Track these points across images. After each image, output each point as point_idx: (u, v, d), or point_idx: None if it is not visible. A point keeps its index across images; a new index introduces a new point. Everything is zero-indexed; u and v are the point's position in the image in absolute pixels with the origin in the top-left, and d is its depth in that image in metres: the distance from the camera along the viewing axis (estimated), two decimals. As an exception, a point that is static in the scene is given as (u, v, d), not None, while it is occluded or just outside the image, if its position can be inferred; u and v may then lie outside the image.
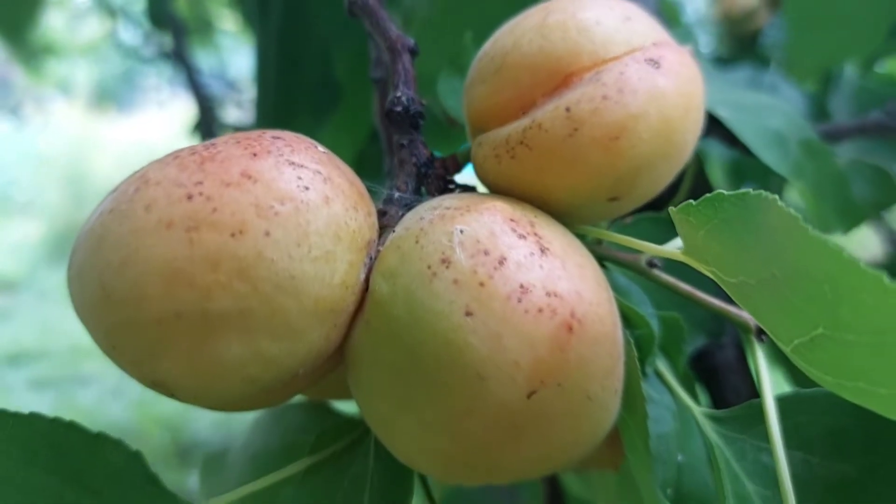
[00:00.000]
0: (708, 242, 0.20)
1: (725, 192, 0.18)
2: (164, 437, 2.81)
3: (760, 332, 0.26)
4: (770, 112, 0.33)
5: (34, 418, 0.24)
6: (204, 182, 0.21)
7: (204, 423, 2.87)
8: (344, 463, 0.25)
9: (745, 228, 0.17)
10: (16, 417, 0.24)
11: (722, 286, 0.21)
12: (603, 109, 0.22)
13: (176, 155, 0.22)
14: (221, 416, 2.98)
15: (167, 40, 1.43)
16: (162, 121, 7.32)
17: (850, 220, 0.33)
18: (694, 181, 0.34)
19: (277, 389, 0.23)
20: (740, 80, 0.69)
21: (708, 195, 0.18)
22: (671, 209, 0.20)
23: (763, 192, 0.17)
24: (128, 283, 0.20)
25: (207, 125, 0.94)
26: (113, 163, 6.13)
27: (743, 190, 0.17)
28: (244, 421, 0.33)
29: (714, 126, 0.32)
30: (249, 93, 1.43)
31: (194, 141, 1.22)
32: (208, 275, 0.20)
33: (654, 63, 0.23)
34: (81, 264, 0.22)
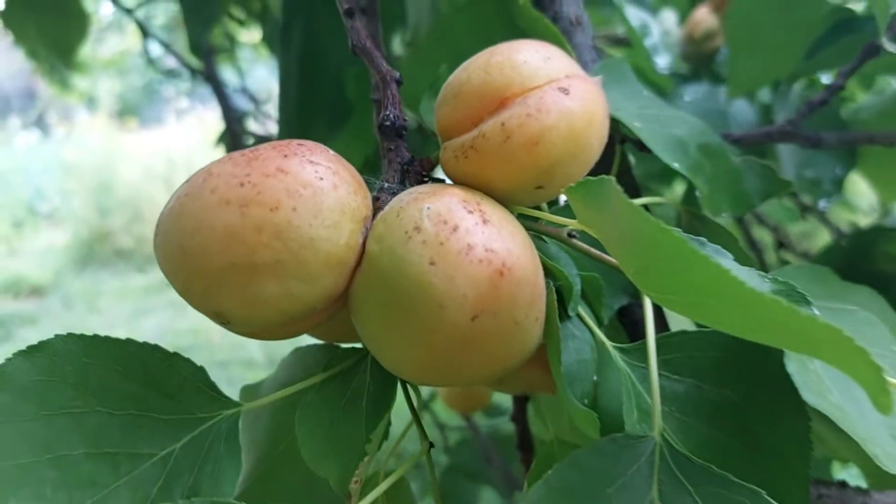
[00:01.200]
0: (586, 212, 0.29)
1: (591, 177, 0.27)
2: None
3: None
4: (677, 122, 0.42)
5: (128, 342, 0.33)
6: (251, 174, 0.30)
7: None
8: (348, 377, 0.34)
9: (601, 201, 0.26)
10: (115, 341, 0.33)
11: (600, 241, 0.30)
12: (527, 124, 0.31)
13: (230, 156, 0.32)
14: None
15: (190, 55, 1.53)
16: (181, 133, 7.47)
17: (741, 206, 0.42)
18: (619, 171, 0.43)
19: (301, 320, 0.32)
20: (699, 92, 0.79)
21: (581, 180, 0.27)
22: (564, 190, 0.29)
23: (609, 178, 0.26)
24: (199, 243, 0.30)
25: (234, 136, 1.04)
26: (136, 173, 6.26)
27: (601, 177, 0.26)
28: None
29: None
30: (267, 105, 1.53)
31: (221, 149, 1.33)
32: (254, 236, 0.29)
33: (565, 90, 0.32)
34: (166, 232, 0.31)
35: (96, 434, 0.32)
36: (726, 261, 0.26)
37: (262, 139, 1.10)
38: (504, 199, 0.33)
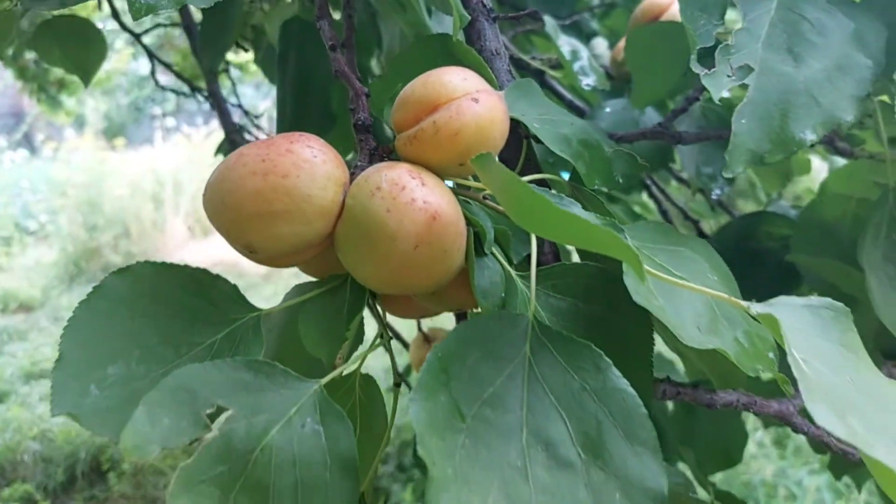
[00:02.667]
0: (484, 176, 0.45)
1: (483, 152, 0.43)
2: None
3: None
4: (565, 124, 0.58)
5: (185, 267, 0.49)
6: (269, 153, 0.46)
7: None
8: (334, 292, 0.50)
9: (490, 169, 0.43)
10: (177, 266, 0.49)
11: (495, 196, 0.46)
12: (450, 122, 0.48)
13: (255, 143, 0.48)
14: None
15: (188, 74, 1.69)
16: (168, 151, 7.59)
17: (609, 182, 0.58)
18: (526, 156, 0.60)
19: (303, 251, 0.48)
20: (618, 104, 0.96)
21: (477, 155, 0.44)
22: (471, 160, 0.45)
23: (490, 154, 0.42)
24: (236, 199, 0.46)
25: (233, 144, 1.20)
26: (123, 191, 6.37)
27: (488, 153, 0.43)
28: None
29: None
30: (258, 119, 1.69)
31: (220, 157, 1.49)
32: (272, 194, 0.45)
33: (475, 100, 0.49)
34: (213, 193, 0.47)
35: (165, 329, 0.48)
36: (561, 202, 0.42)
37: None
38: (437, 172, 0.50)
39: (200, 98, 1.57)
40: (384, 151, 0.52)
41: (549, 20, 0.95)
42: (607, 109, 0.91)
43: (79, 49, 1.16)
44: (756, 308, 0.42)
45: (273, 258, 0.48)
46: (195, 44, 1.20)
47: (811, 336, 0.43)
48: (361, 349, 0.52)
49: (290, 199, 0.45)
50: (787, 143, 0.52)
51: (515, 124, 0.57)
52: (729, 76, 0.52)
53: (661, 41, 0.74)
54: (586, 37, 1.18)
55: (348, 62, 0.56)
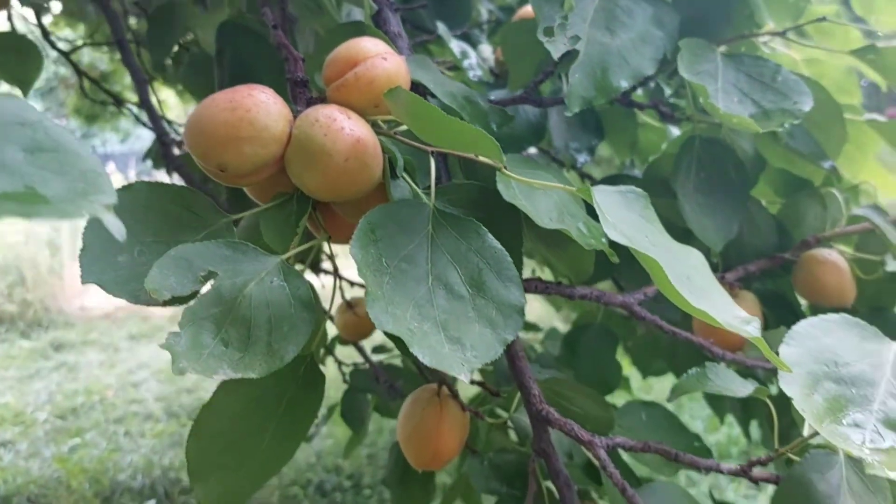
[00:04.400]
0: (393, 106, 0.64)
1: (402, 87, 0.62)
2: (85, 486, 3.07)
3: (433, 152, 0.71)
4: (453, 86, 0.78)
5: (170, 185, 0.65)
6: (235, 96, 0.63)
7: (125, 473, 3.15)
8: (285, 203, 0.68)
9: (397, 96, 0.62)
10: (166, 185, 0.65)
11: (403, 121, 0.65)
12: (367, 72, 0.67)
13: (223, 91, 0.65)
14: (142, 463, 3.24)
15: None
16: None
17: (486, 127, 0.79)
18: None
19: (263, 168, 0.65)
20: (500, 94, 1.17)
21: (389, 89, 0.62)
22: (384, 94, 0.64)
23: (400, 87, 0.61)
24: (211, 128, 0.62)
25: (165, 146, 1.34)
26: (17, 237, 6.21)
27: (398, 86, 0.61)
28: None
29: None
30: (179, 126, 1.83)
31: (149, 162, 1.62)
32: (239, 123, 0.62)
33: (384, 58, 0.68)
34: (192, 125, 0.63)
35: (158, 231, 0.64)
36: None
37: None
38: (359, 113, 0.68)
39: (127, 111, 1.70)
40: (318, 100, 0.70)
41: (441, 26, 1.16)
42: (491, 97, 1.12)
43: (17, 62, 1.29)
44: (597, 205, 0.62)
45: (239, 176, 0.65)
46: (128, 58, 1.34)
47: (619, 208, 0.64)
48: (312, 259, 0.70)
49: (252, 127, 0.63)
50: (607, 90, 0.73)
51: (416, 85, 0.76)
52: (564, 44, 0.73)
53: (526, 34, 0.96)
54: (474, 45, 1.40)
55: (284, 37, 0.74)
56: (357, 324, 1.27)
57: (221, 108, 0.62)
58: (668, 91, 1.00)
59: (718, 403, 1.50)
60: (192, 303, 0.57)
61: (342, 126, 0.63)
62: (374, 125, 0.70)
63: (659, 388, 3.98)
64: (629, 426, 0.93)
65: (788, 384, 0.58)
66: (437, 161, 0.78)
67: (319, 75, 0.73)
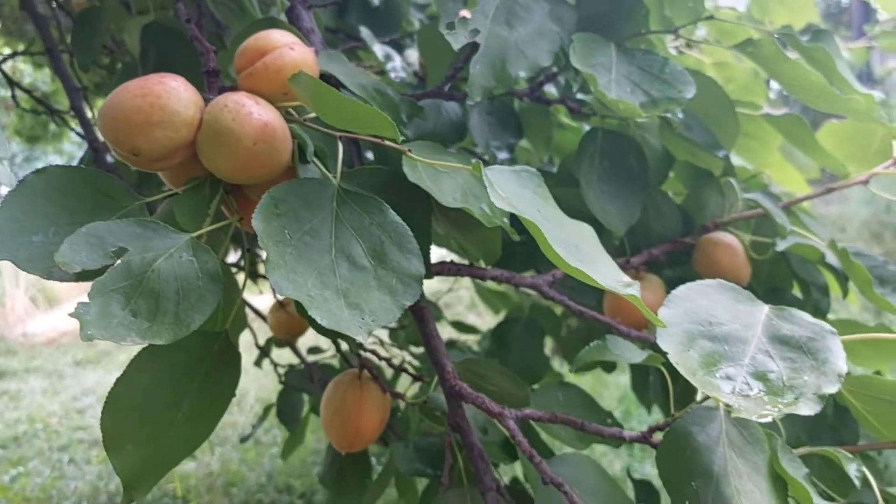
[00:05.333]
0: (298, 90, 0.68)
1: (306, 73, 0.66)
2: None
3: (341, 137, 0.75)
4: (363, 78, 0.83)
5: (84, 168, 0.68)
6: (146, 83, 0.66)
7: (70, 500, 3.10)
8: (198, 186, 0.71)
9: (301, 80, 0.65)
10: (79, 169, 0.67)
11: (308, 105, 0.69)
12: (275, 61, 0.70)
13: (134, 79, 0.68)
14: (87, 490, 3.20)
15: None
16: None
17: (396, 117, 0.83)
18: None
19: (175, 153, 0.68)
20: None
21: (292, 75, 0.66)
22: (288, 79, 0.68)
23: (301, 72, 0.65)
24: (124, 114, 0.65)
25: (96, 151, 1.36)
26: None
27: (301, 71, 0.65)
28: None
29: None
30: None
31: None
32: (150, 109, 0.65)
33: (292, 49, 0.71)
34: (105, 112, 0.66)
35: (73, 213, 0.66)
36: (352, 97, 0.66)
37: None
38: (269, 100, 0.72)
39: (59, 120, 1.70)
40: (229, 89, 0.74)
41: (364, 30, 1.21)
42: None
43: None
44: (485, 176, 0.67)
45: (151, 160, 0.68)
46: (58, 65, 1.36)
47: (512, 184, 0.69)
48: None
49: (163, 112, 0.66)
50: (506, 81, 0.78)
51: (327, 76, 0.80)
52: (465, 37, 0.78)
53: (442, 35, 1.00)
54: (403, 51, 1.44)
55: (198, 33, 0.78)
56: (290, 322, 1.29)
57: (133, 95, 0.65)
58: (575, 87, 1.06)
59: (645, 394, 1.55)
60: (101, 277, 0.59)
61: (250, 111, 0.66)
62: (285, 113, 0.74)
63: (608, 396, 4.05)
64: (546, 405, 0.97)
65: (665, 341, 0.63)
66: (349, 148, 0.82)
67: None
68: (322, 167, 0.74)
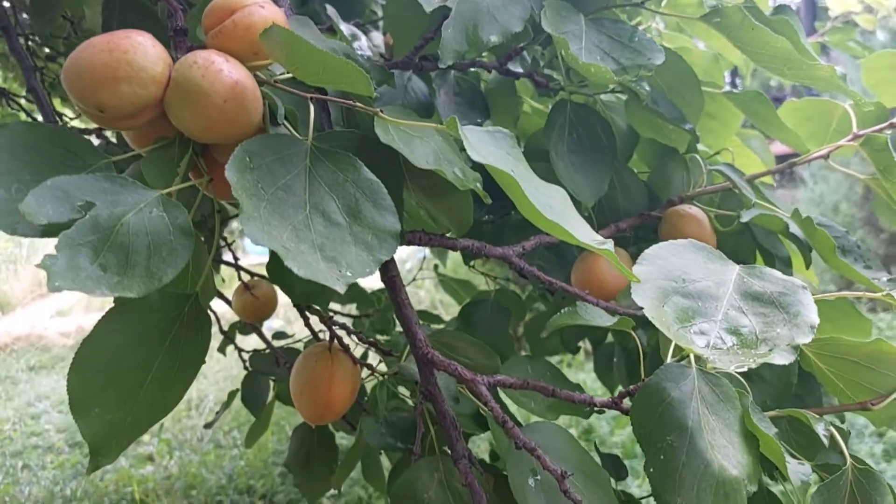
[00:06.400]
0: (268, 47, 0.67)
1: (279, 26, 0.65)
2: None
3: (312, 99, 0.74)
4: (334, 43, 0.82)
5: (48, 125, 0.66)
6: (112, 39, 0.65)
7: None
8: (167, 146, 0.69)
9: (271, 34, 0.64)
10: (46, 126, 0.65)
11: (282, 63, 0.68)
12: (244, 19, 0.69)
13: (102, 35, 0.66)
14: (42, 495, 3.11)
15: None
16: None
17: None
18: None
19: (142, 111, 0.66)
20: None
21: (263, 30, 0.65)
22: (258, 35, 0.67)
23: (271, 26, 0.64)
24: (89, 69, 0.63)
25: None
26: None
27: (273, 24, 0.64)
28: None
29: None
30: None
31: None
32: (116, 64, 0.64)
33: (262, 6, 0.70)
34: (70, 67, 0.64)
35: (37, 170, 0.64)
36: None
37: (83, 130, 1.38)
38: (239, 59, 0.71)
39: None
40: (197, 48, 0.72)
41: (330, 8, 1.20)
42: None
43: None
44: (461, 131, 0.66)
45: (118, 118, 0.66)
46: (14, 44, 1.31)
47: (486, 144, 0.68)
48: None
49: (130, 68, 0.64)
50: (478, 45, 0.78)
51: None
52: (438, 2, 0.77)
53: (407, 6, 1.00)
54: (367, 33, 1.44)
55: (167, -4, 0.76)
56: (255, 305, 1.27)
57: (99, 50, 0.63)
58: (542, 63, 1.06)
59: (608, 378, 1.56)
60: (69, 230, 0.57)
61: (220, 68, 0.65)
62: (256, 75, 0.73)
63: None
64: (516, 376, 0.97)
65: (641, 296, 0.63)
66: (319, 114, 0.81)
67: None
68: (292, 130, 0.73)
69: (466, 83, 1.20)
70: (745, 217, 0.92)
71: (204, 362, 0.72)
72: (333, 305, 1.71)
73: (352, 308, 1.83)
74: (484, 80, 1.24)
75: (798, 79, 0.87)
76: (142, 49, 0.64)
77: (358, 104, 0.71)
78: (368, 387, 1.18)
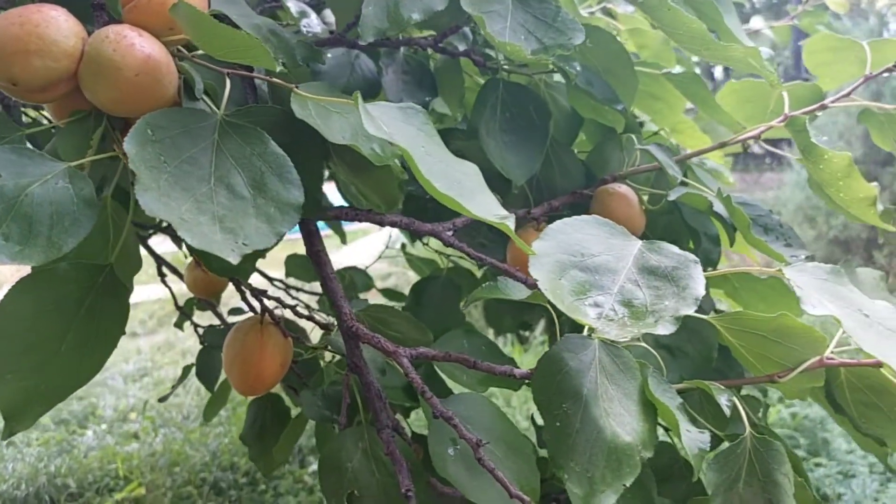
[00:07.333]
0: (177, 18, 0.68)
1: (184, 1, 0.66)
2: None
3: (229, 74, 0.75)
4: (257, 19, 0.83)
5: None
6: (24, 12, 0.65)
7: (7, 483, 3.04)
8: (82, 120, 0.70)
9: (180, 10, 0.65)
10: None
11: (193, 40, 0.69)
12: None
13: (14, 8, 0.67)
14: (26, 471, 3.13)
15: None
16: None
17: (292, 63, 0.83)
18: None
19: (56, 84, 0.67)
20: (336, 52, 1.22)
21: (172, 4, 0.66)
22: (168, 9, 0.68)
23: (182, 2, 0.64)
24: (0, 42, 0.65)
25: (8, 111, 1.33)
26: None
27: (186, 3, 0.65)
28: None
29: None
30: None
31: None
32: (27, 37, 0.64)
33: (178, -17, 0.71)
34: (-18, 41, 0.66)
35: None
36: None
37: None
38: (155, 35, 0.71)
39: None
40: (114, 22, 0.73)
41: (278, -14, 1.20)
42: (329, 55, 1.17)
43: None
44: (361, 105, 0.68)
45: (32, 91, 0.67)
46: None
47: (397, 120, 0.70)
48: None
49: (41, 41, 0.65)
50: (399, 22, 0.79)
51: (220, 17, 0.80)
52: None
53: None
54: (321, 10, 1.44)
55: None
56: (206, 280, 1.29)
57: (10, 23, 0.64)
58: (480, 41, 1.07)
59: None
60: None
61: (132, 42, 0.66)
62: (176, 50, 0.73)
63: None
64: (450, 350, 0.99)
65: (537, 269, 0.65)
66: (243, 89, 0.82)
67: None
68: (211, 104, 0.74)
69: (415, 61, 1.21)
70: (672, 196, 0.93)
71: (124, 333, 0.74)
72: (291, 281, 1.72)
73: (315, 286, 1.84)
74: (434, 59, 1.25)
75: (715, 59, 0.88)
76: (54, 23, 0.65)
77: (275, 80, 0.72)
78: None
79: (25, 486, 3.11)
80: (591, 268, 0.67)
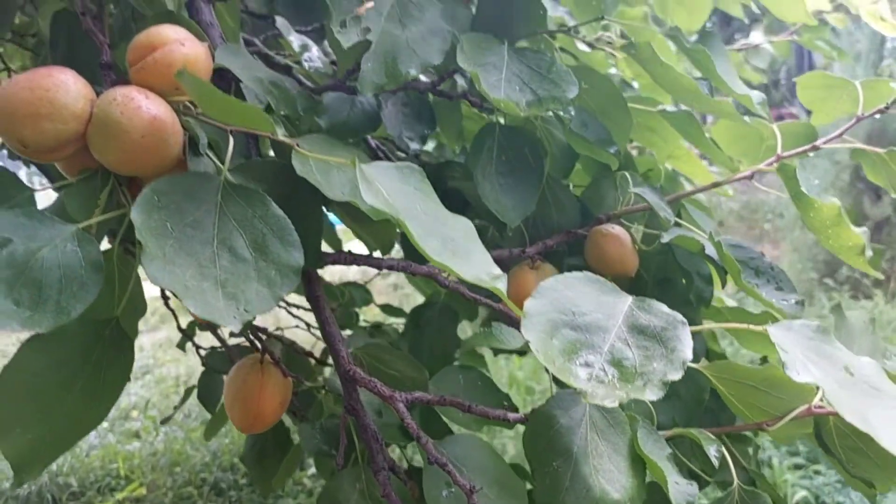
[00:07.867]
0: (185, 86, 0.70)
1: (189, 71, 0.68)
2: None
3: (232, 131, 0.77)
4: (261, 71, 0.85)
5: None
6: (34, 77, 0.68)
7: (8, 481, 3.06)
8: (89, 179, 0.72)
9: (186, 78, 0.67)
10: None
11: (199, 104, 0.71)
12: (164, 57, 0.72)
13: (25, 72, 0.69)
14: None
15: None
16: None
17: (293, 113, 0.85)
18: (236, 90, 0.85)
19: (65, 145, 0.69)
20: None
21: (178, 71, 0.68)
22: (175, 75, 0.70)
23: (185, 70, 0.66)
24: (11, 106, 0.66)
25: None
26: None
27: (184, 68, 0.67)
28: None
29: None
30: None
31: None
32: (38, 102, 0.66)
33: (182, 44, 0.73)
34: (-7, 105, 0.68)
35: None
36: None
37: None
38: (160, 94, 0.73)
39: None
40: (122, 82, 0.75)
41: (280, 20, 1.22)
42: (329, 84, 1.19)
43: None
44: (358, 169, 0.70)
45: (41, 152, 0.69)
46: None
47: (394, 181, 0.72)
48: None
49: (51, 105, 0.67)
50: (397, 77, 0.81)
51: (223, 71, 0.82)
52: (357, 35, 0.80)
53: (350, 28, 1.02)
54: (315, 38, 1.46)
55: (98, 27, 0.79)
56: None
57: (21, 88, 0.67)
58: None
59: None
60: (-17, 266, 0.60)
61: (139, 105, 0.68)
62: (182, 107, 0.76)
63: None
64: (446, 388, 1.01)
65: (529, 330, 0.67)
66: (247, 142, 0.85)
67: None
68: (216, 160, 0.76)
69: (414, 95, 1.23)
70: (665, 238, 0.95)
71: (129, 380, 0.76)
72: (292, 298, 1.74)
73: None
74: (419, 92, 1.27)
75: (706, 111, 0.90)
76: (63, 87, 0.67)
77: (278, 137, 0.74)
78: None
79: (27, 484, 3.14)
80: (582, 326, 0.69)
